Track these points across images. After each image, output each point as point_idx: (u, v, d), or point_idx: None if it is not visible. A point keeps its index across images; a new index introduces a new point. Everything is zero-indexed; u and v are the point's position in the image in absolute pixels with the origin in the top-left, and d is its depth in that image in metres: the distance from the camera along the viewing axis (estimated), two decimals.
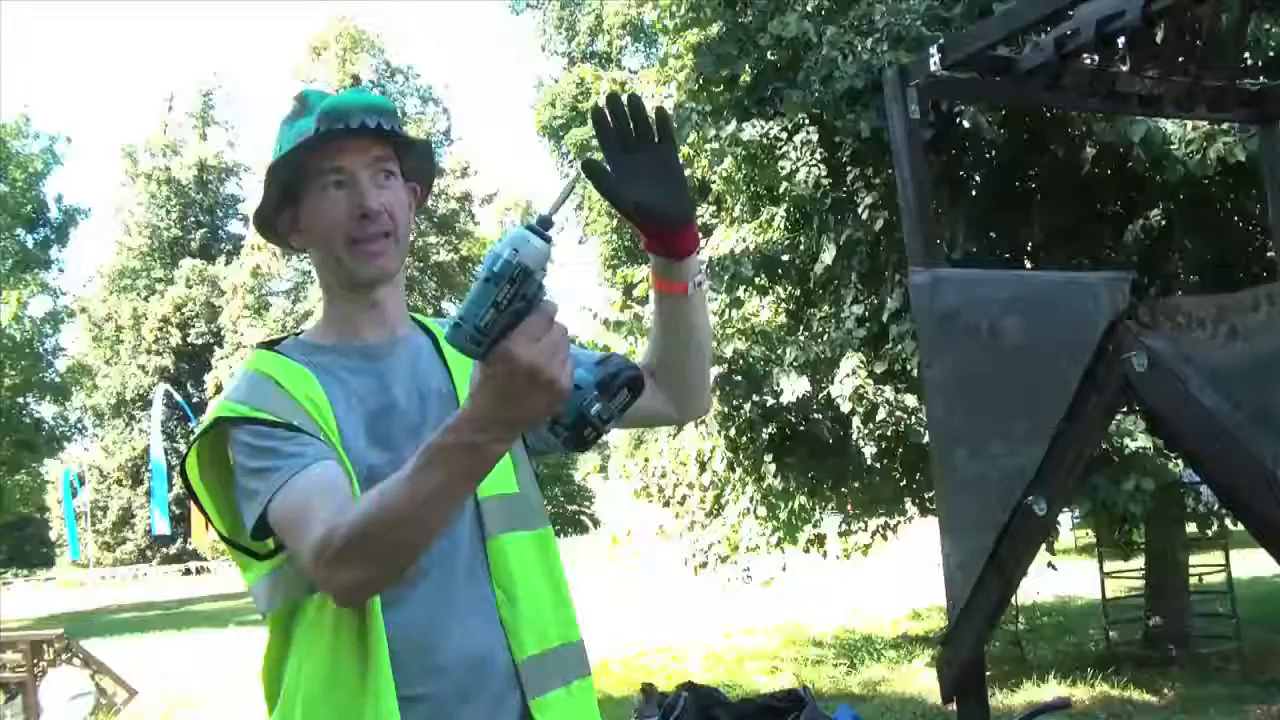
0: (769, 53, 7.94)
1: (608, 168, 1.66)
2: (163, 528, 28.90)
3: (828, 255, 7.92)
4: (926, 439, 4.60)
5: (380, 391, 1.77)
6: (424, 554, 1.54)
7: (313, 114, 1.75)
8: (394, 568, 1.54)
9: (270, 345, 1.85)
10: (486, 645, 1.71)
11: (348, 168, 1.75)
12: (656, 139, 1.66)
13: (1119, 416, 6.97)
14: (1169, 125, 6.89)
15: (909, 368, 7.36)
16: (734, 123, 8.06)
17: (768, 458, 8.60)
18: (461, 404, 1.43)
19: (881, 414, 7.60)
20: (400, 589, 1.65)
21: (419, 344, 1.86)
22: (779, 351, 8.13)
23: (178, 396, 34.09)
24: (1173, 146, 6.94)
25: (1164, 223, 7.91)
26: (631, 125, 1.65)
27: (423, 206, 1.94)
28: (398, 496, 1.44)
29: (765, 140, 7.94)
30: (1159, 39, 3.22)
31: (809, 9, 7.73)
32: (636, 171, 1.66)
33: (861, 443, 7.86)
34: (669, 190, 1.69)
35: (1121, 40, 3.16)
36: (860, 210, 7.66)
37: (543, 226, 1.30)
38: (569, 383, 1.35)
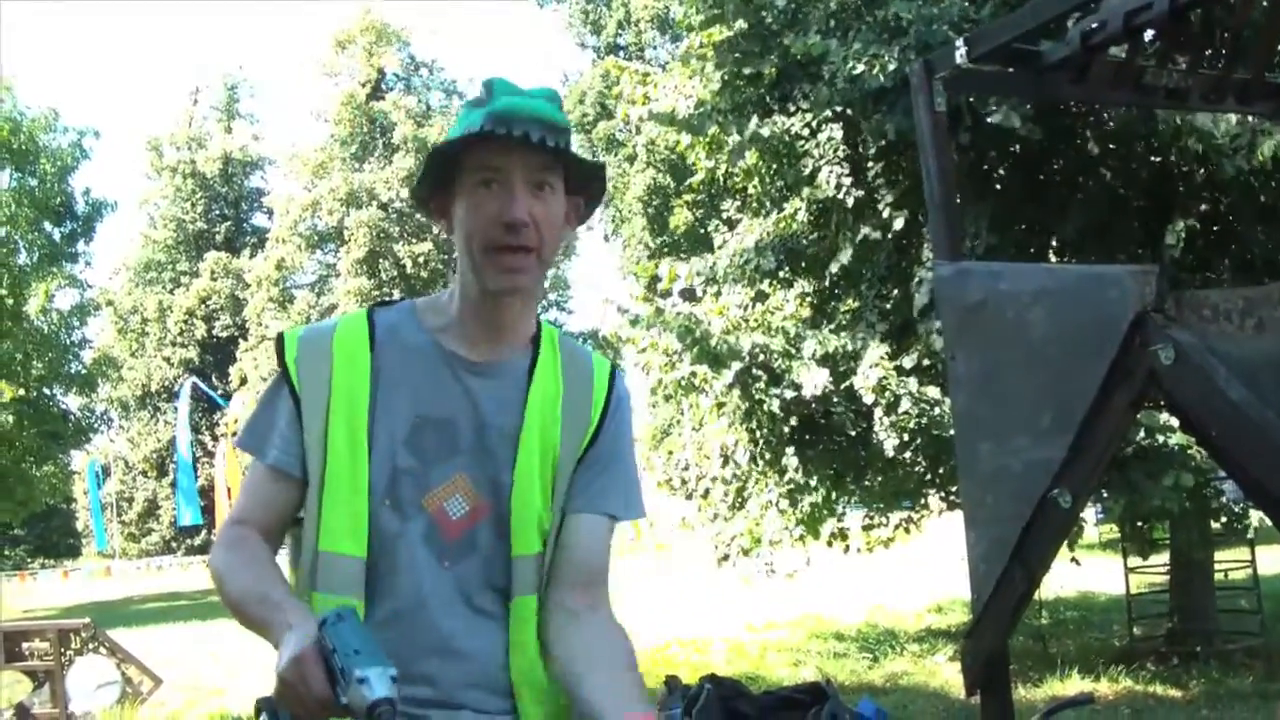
0: (791, 50, 7.91)
1: None
2: (188, 518, 29.10)
3: (845, 255, 7.89)
4: (950, 431, 4.59)
5: (443, 403, 1.74)
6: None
7: (488, 105, 1.68)
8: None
9: (382, 305, 1.84)
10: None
11: (505, 169, 1.66)
12: None
13: (1157, 413, 6.93)
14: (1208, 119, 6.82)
15: (936, 362, 7.32)
16: (755, 119, 8.03)
17: (789, 450, 8.59)
18: (521, 452, 1.72)
19: (905, 405, 7.56)
20: None
21: (512, 377, 1.79)
22: (798, 345, 8.09)
23: (205, 387, 34.21)
24: (1219, 141, 6.86)
25: (1198, 225, 7.79)
26: None
27: (583, 223, 1.86)
28: (238, 587, 1.65)
29: (786, 137, 7.91)
30: (1188, 31, 3.20)
31: (830, 10, 7.67)
32: None
33: (884, 435, 7.82)
34: None
35: (1149, 33, 3.14)
36: (881, 208, 7.61)
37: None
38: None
